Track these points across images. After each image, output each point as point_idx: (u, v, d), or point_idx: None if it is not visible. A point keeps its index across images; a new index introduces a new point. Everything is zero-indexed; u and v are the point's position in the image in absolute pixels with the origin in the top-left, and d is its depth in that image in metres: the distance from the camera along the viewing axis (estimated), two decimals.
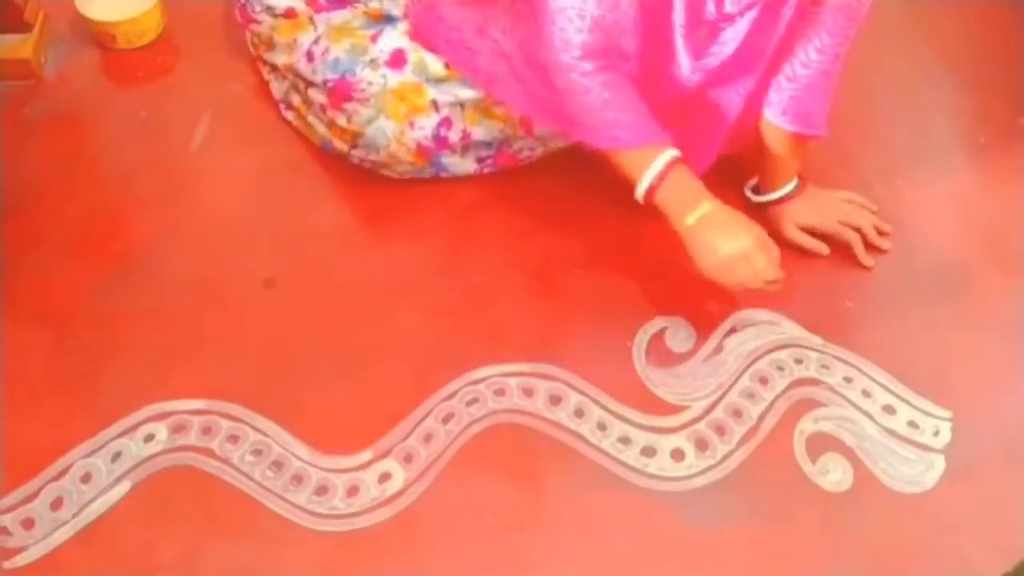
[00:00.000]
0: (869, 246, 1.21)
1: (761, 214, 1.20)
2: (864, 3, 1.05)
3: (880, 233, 1.22)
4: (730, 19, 1.07)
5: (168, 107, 1.34)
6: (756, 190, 1.23)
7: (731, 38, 1.08)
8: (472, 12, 1.16)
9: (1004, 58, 1.47)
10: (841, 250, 1.22)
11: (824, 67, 1.10)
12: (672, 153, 1.07)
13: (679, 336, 1.15)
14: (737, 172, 1.24)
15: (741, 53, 1.09)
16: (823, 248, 1.20)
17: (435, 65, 1.19)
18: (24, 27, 1.36)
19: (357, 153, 1.23)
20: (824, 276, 1.21)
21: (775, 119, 1.15)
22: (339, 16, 1.25)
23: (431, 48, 1.19)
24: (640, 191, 1.09)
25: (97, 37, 1.41)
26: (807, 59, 1.10)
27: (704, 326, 1.16)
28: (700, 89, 1.14)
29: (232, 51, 1.36)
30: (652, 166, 1.07)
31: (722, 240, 1.06)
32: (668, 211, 1.08)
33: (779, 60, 1.11)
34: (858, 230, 1.21)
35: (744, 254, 1.06)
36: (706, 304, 1.17)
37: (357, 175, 1.26)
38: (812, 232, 1.20)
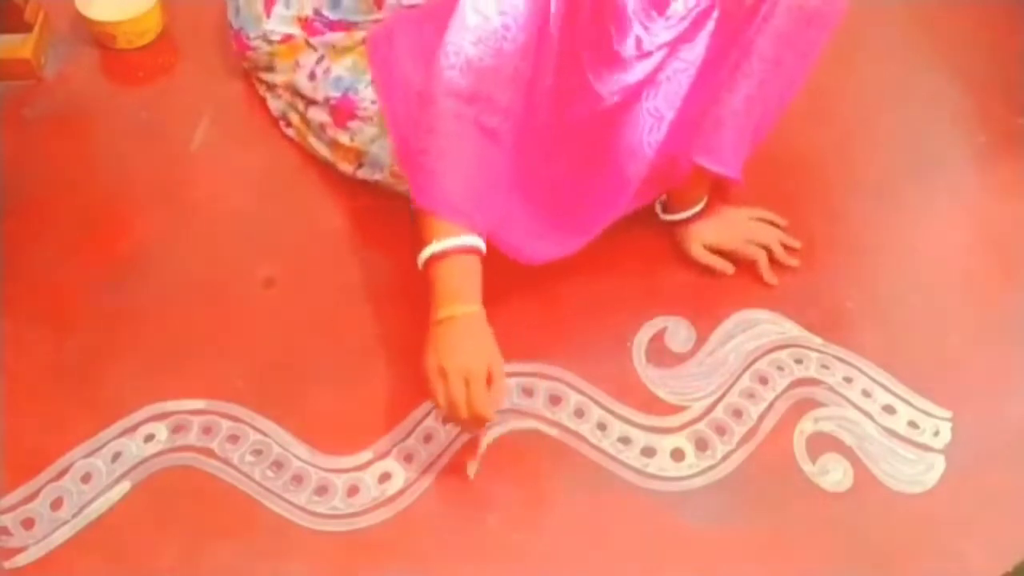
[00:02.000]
0: (775, 263, 1.20)
1: (670, 232, 1.20)
2: (790, 52, 1.01)
3: (788, 249, 1.21)
4: (647, 55, 1.02)
5: (168, 107, 1.34)
6: (665, 208, 1.21)
7: (641, 69, 1.03)
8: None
9: (1004, 58, 1.47)
10: (842, 252, 1.22)
11: (734, 107, 1.05)
12: (474, 241, 0.98)
13: (679, 336, 1.15)
14: None
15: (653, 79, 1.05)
16: (728, 267, 1.19)
17: None
18: (24, 27, 1.36)
19: (362, 173, 1.22)
20: (824, 276, 1.21)
21: (687, 152, 1.09)
22: (336, 38, 1.24)
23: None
24: (423, 256, 0.99)
25: (97, 37, 1.40)
26: (721, 98, 1.05)
27: (704, 326, 1.15)
28: (617, 109, 1.07)
29: (232, 51, 1.36)
30: (448, 240, 0.97)
31: (456, 350, 0.96)
32: (433, 290, 0.99)
33: (696, 97, 1.06)
34: (766, 247, 1.19)
35: (464, 373, 0.95)
36: (706, 304, 1.17)
37: (359, 179, 1.25)
38: (719, 251, 1.19)
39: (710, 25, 1.00)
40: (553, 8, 0.98)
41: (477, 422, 0.97)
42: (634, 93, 1.04)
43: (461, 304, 0.98)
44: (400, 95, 1.12)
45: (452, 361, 0.95)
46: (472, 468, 1.02)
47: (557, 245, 1.11)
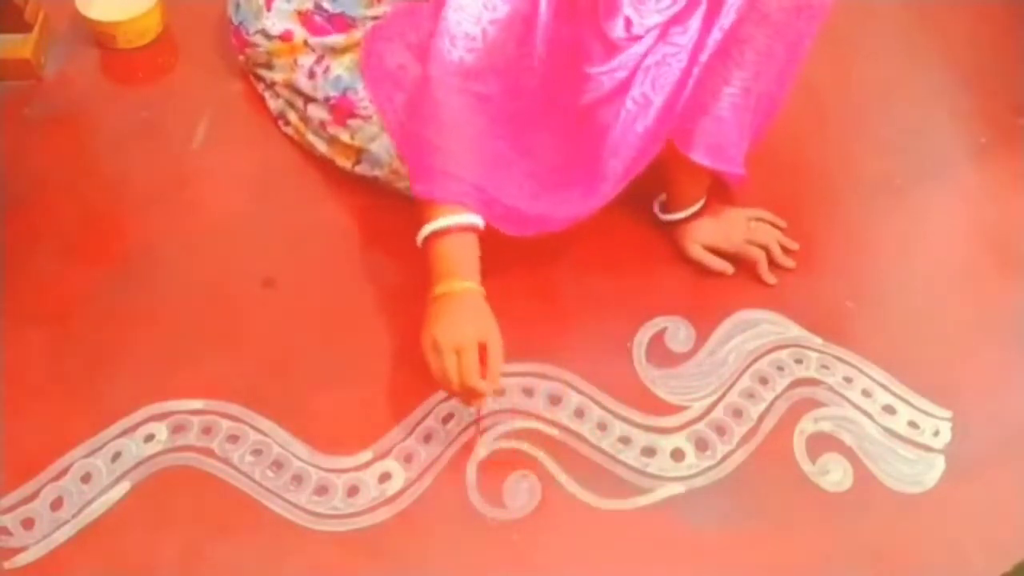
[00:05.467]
0: (774, 263, 1.19)
1: (669, 232, 1.19)
2: (780, 43, 1.01)
3: (785, 250, 1.21)
4: (637, 38, 1.02)
5: (168, 107, 1.34)
6: (664, 207, 1.21)
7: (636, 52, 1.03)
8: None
9: (1004, 58, 1.47)
10: (842, 252, 1.22)
11: (733, 101, 1.05)
12: (472, 219, 1.01)
13: (679, 336, 1.15)
14: (650, 187, 1.19)
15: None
16: (727, 267, 1.19)
17: None
18: (24, 27, 1.36)
19: (360, 169, 1.22)
20: (824, 276, 1.21)
21: (686, 151, 1.09)
22: (335, 41, 1.24)
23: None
24: (422, 234, 1.01)
25: (97, 37, 1.40)
26: (718, 91, 1.05)
27: (704, 326, 1.15)
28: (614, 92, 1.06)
29: (232, 51, 1.36)
30: (446, 218, 1.00)
31: (449, 323, 0.97)
32: (432, 268, 1.01)
33: (686, 84, 1.05)
34: (765, 247, 1.19)
35: (455, 344, 0.96)
36: (706, 304, 1.17)
37: (357, 174, 1.25)
38: (718, 251, 1.19)
39: (702, 9, 1.00)
40: None
41: (471, 394, 0.98)
42: (626, 79, 1.04)
43: (458, 280, 0.99)
44: (391, 86, 1.15)
45: (445, 335, 0.97)
46: (478, 438, 1.04)
47: (554, 208, 1.11)
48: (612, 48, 1.02)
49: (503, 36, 1.00)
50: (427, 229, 1.01)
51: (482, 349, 0.98)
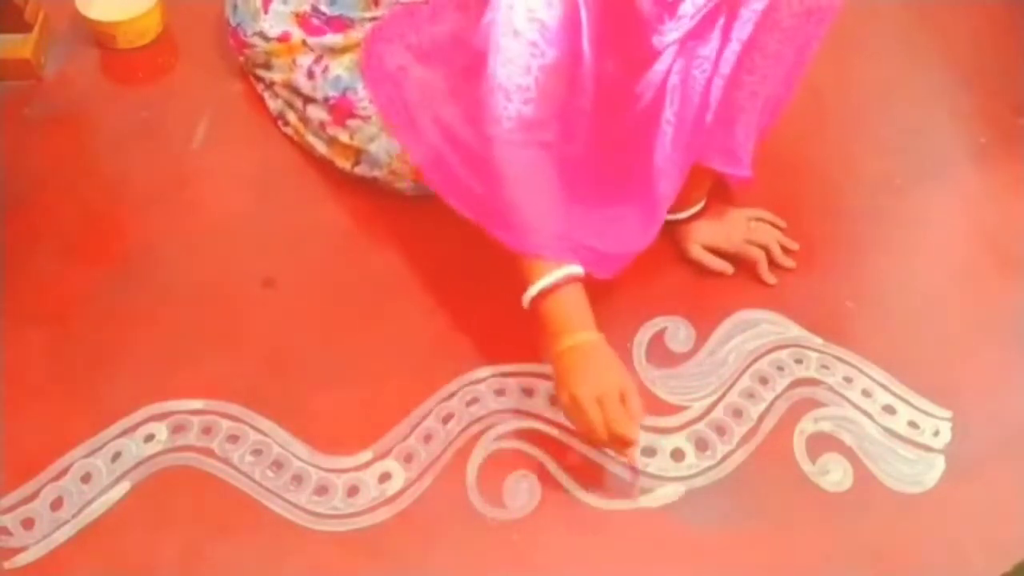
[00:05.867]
0: (774, 263, 1.20)
1: (669, 232, 1.19)
2: (789, 47, 1.01)
3: (786, 250, 1.21)
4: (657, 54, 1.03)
5: (168, 107, 1.34)
6: None
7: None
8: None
9: (1004, 58, 1.47)
10: (842, 252, 1.22)
11: (741, 104, 1.05)
12: (574, 269, 1.00)
13: (679, 336, 1.15)
14: None
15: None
16: (727, 268, 1.19)
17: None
18: (24, 27, 1.36)
19: (360, 170, 1.22)
20: (824, 276, 1.21)
21: (702, 160, 1.10)
22: (333, 41, 1.24)
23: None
24: (528, 296, 1.00)
25: (97, 37, 1.40)
26: (730, 97, 1.05)
27: (704, 326, 1.15)
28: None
29: (231, 51, 1.36)
30: (551, 275, 0.99)
31: (583, 376, 0.97)
32: (546, 327, 1.00)
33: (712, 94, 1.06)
34: (765, 247, 1.19)
35: (596, 395, 0.96)
36: (706, 304, 1.17)
37: (356, 175, 1.25)
38: (717, 251, 1.19)
39: (721, 21, 1.00)
40: (584, 23, 0.98)
41: (620, 442, 0.97)
42: (653, 100, 1.05)
43: (578, 333, 0.98)
44: (392, 87, 1.15)
45: (582, 388, 0.96)
46: (636, 485, 1.03)
47: (621, 242, 1.11)
48: (641, 64, 1.02)
49: (553, 81, 0.98)
50: (533, 291, 0.99)
51: (621, 398, 0.97)
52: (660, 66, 1.02)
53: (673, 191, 1.09)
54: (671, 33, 1.00)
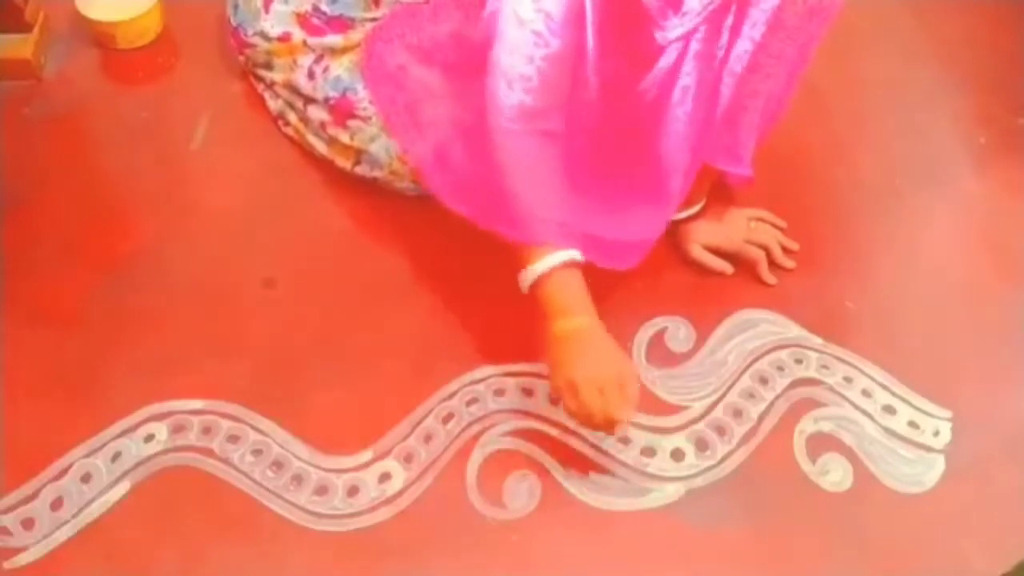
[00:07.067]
0: (774, 263, 1.20)
1: (669, 232, 1.19)
2: (791, 46, 1.01)
3: (786, 251, 1.21)
4: (661, 50, 1.02)
5: (168, 107, 1.34)
6: None
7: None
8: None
9: (1004, 58, 1.47)
10: (842, 252, 1.22)
11: (743, 103, 1.06)
12: (572, 255, 1.00)
13: (679, 336, 1.15)
14: None
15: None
16: (727, 268, 1.19)
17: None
18: (24, 27, 1.36)
19: (360, 170, 1.22)
20: (824, 276, 1.21)
21: (707, 160, 1.10)
22: (333, 41, 1.24)
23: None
24: (526, 281, 1.01)
25: (97, 37, 1.40)
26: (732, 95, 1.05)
27: (704, 326, 1.15)
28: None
29: (232, 51, 1.36)
30: (548, 259, 0.99)
31: (581, 360, 0.98)
32: (544, 310, 1.01)
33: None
34: (765, 247, 1.19)
35: (597, 383, 0.97)
36: (706, 304, 1.17)
37: (357, 175, 1.25)
38: (718, 251, 1.19)
39: (730, 20, 1.00)
40: (589, 15, 0.98)
41: (610, 426, 0.99)
42: (665, 85, 1.04)
43: (574, 317, 0.99)
44: (393, 87, 1.14)
45: (581, 374, 0.97)
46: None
47: (631, 233, 1.11)
48: (646, 60, 1.02)
49: (556, 71, 0.98)
50: (530, 276, 1.00)
51: (620, 386, 0.98)
52: (664, 63, 1.02)
53: (684, 188, 1.09)
54: (675, 29, 1.00)
